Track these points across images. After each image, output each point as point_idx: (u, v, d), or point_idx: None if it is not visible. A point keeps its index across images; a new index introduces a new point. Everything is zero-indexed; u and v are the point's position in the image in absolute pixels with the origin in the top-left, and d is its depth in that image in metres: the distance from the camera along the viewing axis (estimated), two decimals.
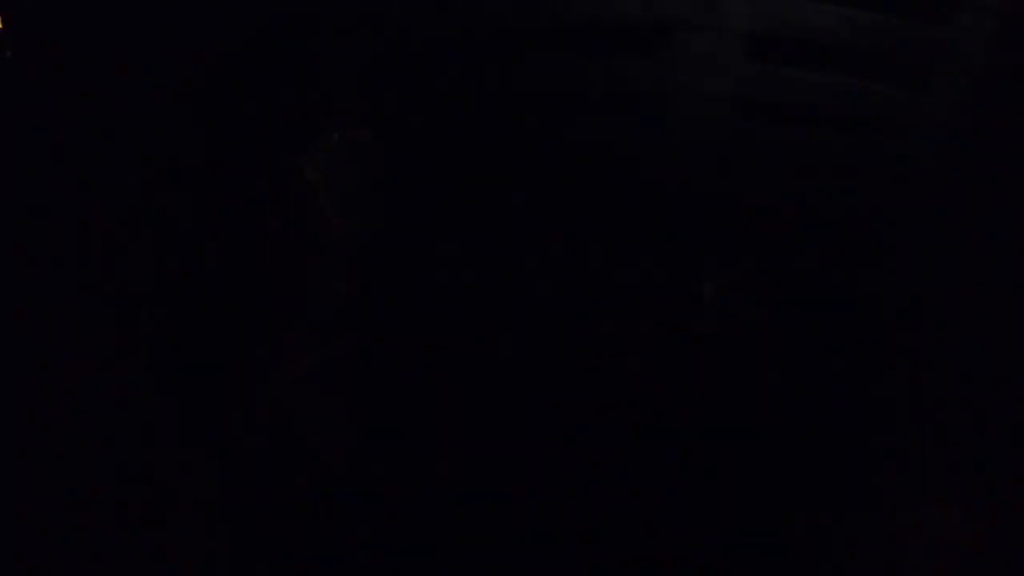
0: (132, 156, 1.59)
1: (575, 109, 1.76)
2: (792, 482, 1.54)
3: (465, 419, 1.55)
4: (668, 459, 1.51)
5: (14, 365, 1.44)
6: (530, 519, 1.49)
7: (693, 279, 1.72)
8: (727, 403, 1.58)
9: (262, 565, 1.40)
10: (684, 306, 1.69)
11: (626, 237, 1.75)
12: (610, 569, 1.47)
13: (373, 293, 1.65)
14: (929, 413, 1.56)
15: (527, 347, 1.64)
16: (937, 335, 1.60)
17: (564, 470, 1.55)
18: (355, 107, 1.78)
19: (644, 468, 1.50)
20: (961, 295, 1.62)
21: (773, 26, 1.60)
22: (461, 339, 1.64)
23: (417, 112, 1.79)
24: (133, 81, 1.59)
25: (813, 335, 1.65)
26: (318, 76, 1.75)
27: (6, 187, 1.45)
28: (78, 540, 1.33)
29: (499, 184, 1.78)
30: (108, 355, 1.43)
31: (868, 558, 1.49)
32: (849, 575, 1.51)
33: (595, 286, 1.71)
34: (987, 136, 1.63)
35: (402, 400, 1.55)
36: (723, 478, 1.52)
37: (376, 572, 1.44)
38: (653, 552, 1.45)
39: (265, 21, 1.68)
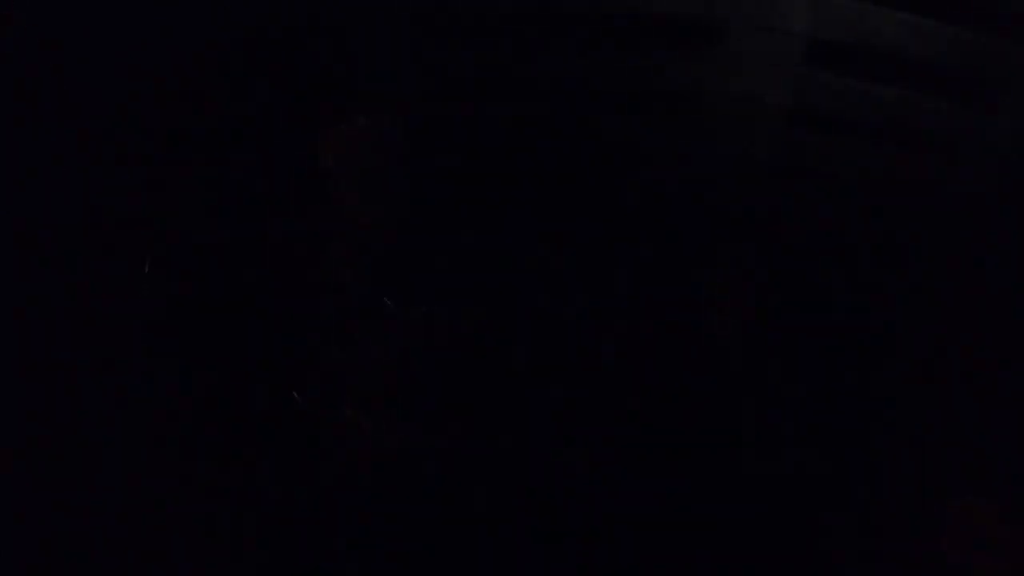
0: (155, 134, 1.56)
1: (615, 105, 1.68)
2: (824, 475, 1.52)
3: (473, 416, 1.52)
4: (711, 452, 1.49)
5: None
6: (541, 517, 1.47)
7: (729, 284, 1.64)
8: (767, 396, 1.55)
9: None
10: (717, 312, 1.62)
11: (664, 238, 1.68)
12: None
13: (387, 280, 1.61)
14: (965, 408, 1.52)
15: (546, 340, 1.60)
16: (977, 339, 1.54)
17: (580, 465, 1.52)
18: (381, 92, 1.73)
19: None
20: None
21: (837, 31, 1.50)
22: (471, 332, 1.59)
23: (444, 98, 1.72)
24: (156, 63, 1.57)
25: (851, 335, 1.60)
26: (344, 59, 1.69)
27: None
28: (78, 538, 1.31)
29: (526, 178, 1.72)
30: (117, 352, 1.42)
31: (903, 551, 1.45)
32: (884, 568, 1.47)
33: (615, 287, 1.65)
34: None
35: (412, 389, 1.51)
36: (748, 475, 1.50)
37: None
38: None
39: (292, 5, 1.63)
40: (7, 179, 1.41)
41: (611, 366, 1.59)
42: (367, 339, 1.47)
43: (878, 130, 1.56)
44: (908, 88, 1.51)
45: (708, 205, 1.69)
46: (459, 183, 1.70)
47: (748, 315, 1.63)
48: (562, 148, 1.71)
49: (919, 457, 1.53)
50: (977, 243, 1.59)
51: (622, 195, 1.71)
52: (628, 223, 1.69)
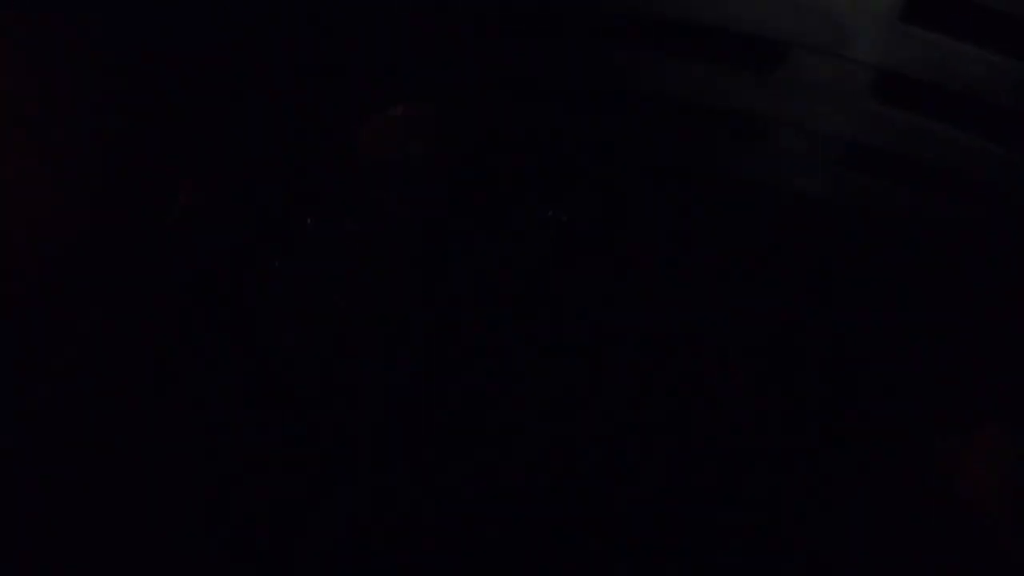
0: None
1: (659, 119, 1.56)
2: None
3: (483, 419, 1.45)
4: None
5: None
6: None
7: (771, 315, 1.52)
8: None
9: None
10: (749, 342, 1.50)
11: (697, 264, 1.57)
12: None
13: (422, 269, 1.56)
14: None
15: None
16: None
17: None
18: (423, 81, 1.65)
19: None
20: None
21: (909, 65, 1.35)
22: (502, 331, 1.52)
23: (490, 93, 1.62)
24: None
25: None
26: (386, 47, 1.63)
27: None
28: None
29: (563, 183, 1.61)
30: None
31: (927, 477, 1.38)
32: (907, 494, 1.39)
33: (640, 307, 1.54)
34: None
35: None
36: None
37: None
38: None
39: None
40: None
41: (624, 386, 1.49)
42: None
43: (944, 175, 1.41)
44: (983, 134, 1.36)
45: (749, 233, 1.56)
46: (495, 182, 1.62)
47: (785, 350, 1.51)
48: (602, 157, 1.61)
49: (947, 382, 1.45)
50: None
51: (661, 214, 1.60)
52: (662, 243, 1.58)
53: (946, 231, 1.45)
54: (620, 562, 1.34)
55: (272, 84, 1.57)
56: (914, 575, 1.34)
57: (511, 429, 1.43)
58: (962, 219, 1.43)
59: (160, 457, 1.32)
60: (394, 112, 1.60)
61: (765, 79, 1.45)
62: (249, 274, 1.49)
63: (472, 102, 1.64)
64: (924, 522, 1.35)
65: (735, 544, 1.33)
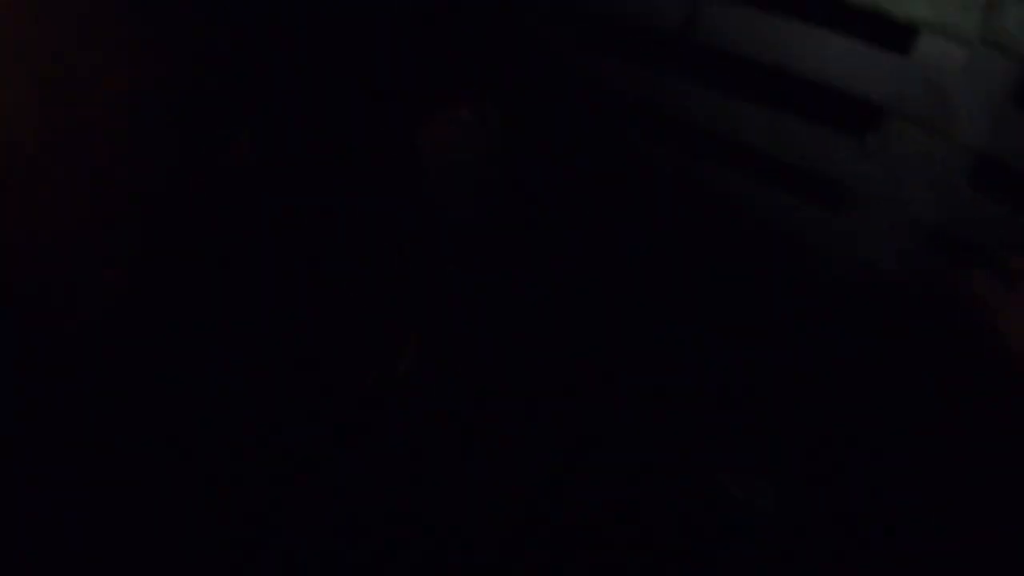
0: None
1: (739, 166, 1.45)
2: None
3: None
4: None
5: None
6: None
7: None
8: None
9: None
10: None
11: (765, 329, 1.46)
12: None
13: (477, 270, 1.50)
14: None
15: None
16: None
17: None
18: (488, 85, 1.59)
19: None
20: None
21: (1015, 154, 1.22)
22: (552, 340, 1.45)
23: (553, 106, 1.55)
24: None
25: None
26: (452, 50, 1.59)
27: None
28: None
29: (632, 211, 1.53)
30: None
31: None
32: None
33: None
34: None
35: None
36: None
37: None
38: None
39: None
40: None
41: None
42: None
43: None
44: None
45: (824, 306, 1.45)
46: (559, 198, 1.54)
47: None
48: (668, 192, 1.51)
49: None
50: None
51: (723, 261, 1.49)
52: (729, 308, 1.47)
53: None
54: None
55: (340, 69, 1.53)
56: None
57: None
58: None
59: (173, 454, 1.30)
60: (456, 113, 1.56)
61: (856, 143, 1.33)
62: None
63: (539, 110, 1.56)
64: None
65: None
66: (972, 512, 1.25)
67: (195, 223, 1.46)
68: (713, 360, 1.41)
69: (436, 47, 1.57)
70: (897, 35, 1.24)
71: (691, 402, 1.37)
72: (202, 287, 1.35)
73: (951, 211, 1.30)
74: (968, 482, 1.26)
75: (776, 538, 1.27)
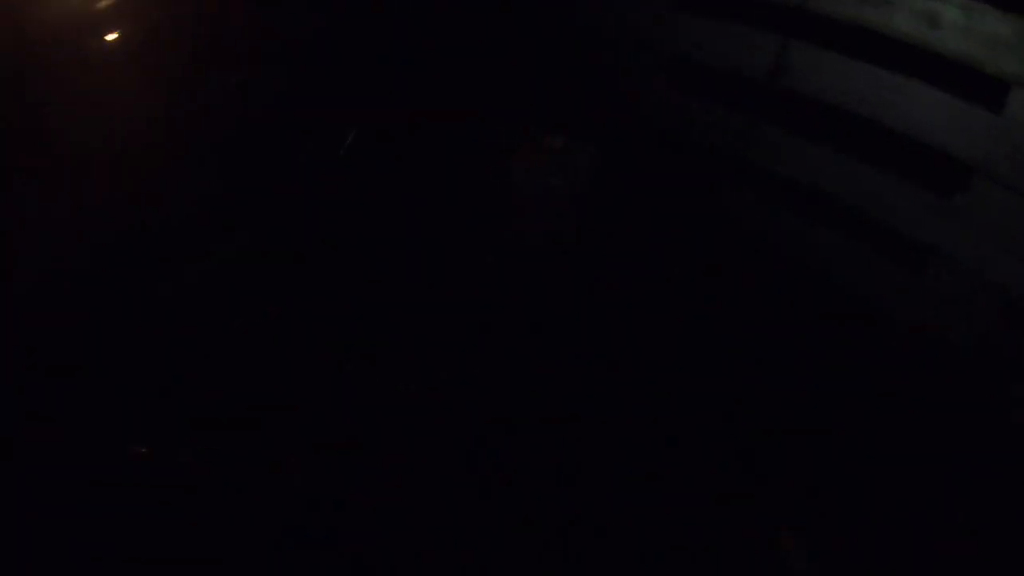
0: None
1: (820, 218, 1.39)
2: None
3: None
4: None
5: None
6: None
7: None
8: None
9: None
10: None
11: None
12: None
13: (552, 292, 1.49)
14: None
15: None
16: None
17: None
18: (579, 115, 1.59)
19: None
20: None
21: None
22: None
23: (641, 140, 1.53)
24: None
25: None
26: (544, 80, 1.61)
27: None
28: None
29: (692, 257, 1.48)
30: None
31: None
32: None
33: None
34: None
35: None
36: None
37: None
38: None
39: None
40: None
41: None
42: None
43: None
44: None
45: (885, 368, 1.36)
46: (639, 236, 1.55)
47: None
48: (743, 242, 1.46)
49: None
50: None
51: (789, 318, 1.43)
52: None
53: None
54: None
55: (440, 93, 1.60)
56: None
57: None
58: None
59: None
60: (544, 144, 1.57)
61: (941, 201, 1.25)
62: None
63: (627, 147, 1.54)
64: None
65: None
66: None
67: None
68: (768, 414, 1.35)
69: (528, 76, 1.57)
70: (990, 91, 1.16)
71: (743, 458, 1.31)
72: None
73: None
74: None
75: None
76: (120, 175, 1.39)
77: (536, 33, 1.57)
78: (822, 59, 1.31)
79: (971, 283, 1.24)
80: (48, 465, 1.23)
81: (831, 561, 1.22)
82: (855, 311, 1.38)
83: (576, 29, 1.52)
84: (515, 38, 1.60)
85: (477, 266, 1.53)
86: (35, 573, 1.16)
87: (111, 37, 1.30)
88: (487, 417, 1.32)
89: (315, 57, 1.59)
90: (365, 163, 1.65)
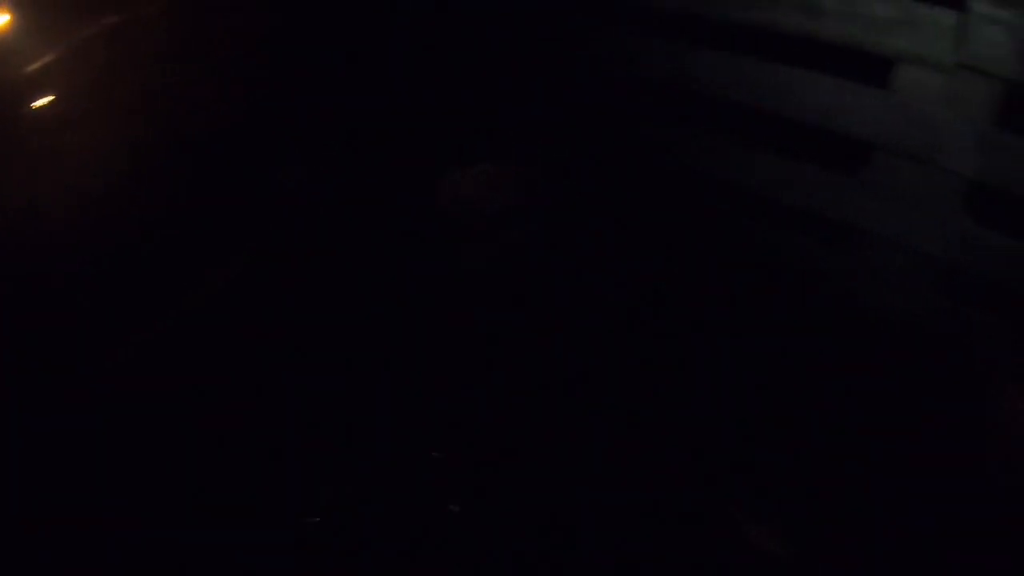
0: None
1: (741, 210, 1.45)
2: None
3: None
4: None
5: None
6: None
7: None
8: None
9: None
10: None
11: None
12: None
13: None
14: None
15: None
16: None
17: None
18: (512, 143, 1.63)
19: None
20: None
21: (1009, 178, 1.19)
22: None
23: (591, 168, 1.59)
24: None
25: None
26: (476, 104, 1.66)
27: None
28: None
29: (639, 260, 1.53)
30: None
31: None
32: None
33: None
34: None
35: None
36: None
37: None
38: None
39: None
40: None
41: None
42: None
43: None
44: None
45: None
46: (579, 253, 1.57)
47: None
48: (684, 245, 1.51)
49: None
50: None
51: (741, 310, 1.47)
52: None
53: None
54: None
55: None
56: None
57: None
58: None
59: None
60: (475, 169, 1.58)
61: (847, 181, 1.31)
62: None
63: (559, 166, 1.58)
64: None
65: None
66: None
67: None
68: (729, 401, 1.39)
69: (461, 101, 1.61)
70: (878, 71, 1.24)
71: (710, 441, 1.35)
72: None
73: (951, 242, 1.26)
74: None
75: None
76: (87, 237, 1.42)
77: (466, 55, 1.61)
78: (718, 62, 1.39)
79: (895, 251, 1.31)
80: None
81: (805, 543, 1.25)
82: (791, 296, 1.43)
83: (496, 48, 1.58)
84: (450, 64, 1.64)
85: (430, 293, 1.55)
86: None
87: (45, 101, 1.33)
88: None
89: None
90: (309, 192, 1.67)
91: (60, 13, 1.38)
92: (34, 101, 1.33)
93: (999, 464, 1.22)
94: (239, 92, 1.61)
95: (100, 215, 1.43)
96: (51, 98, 1.34)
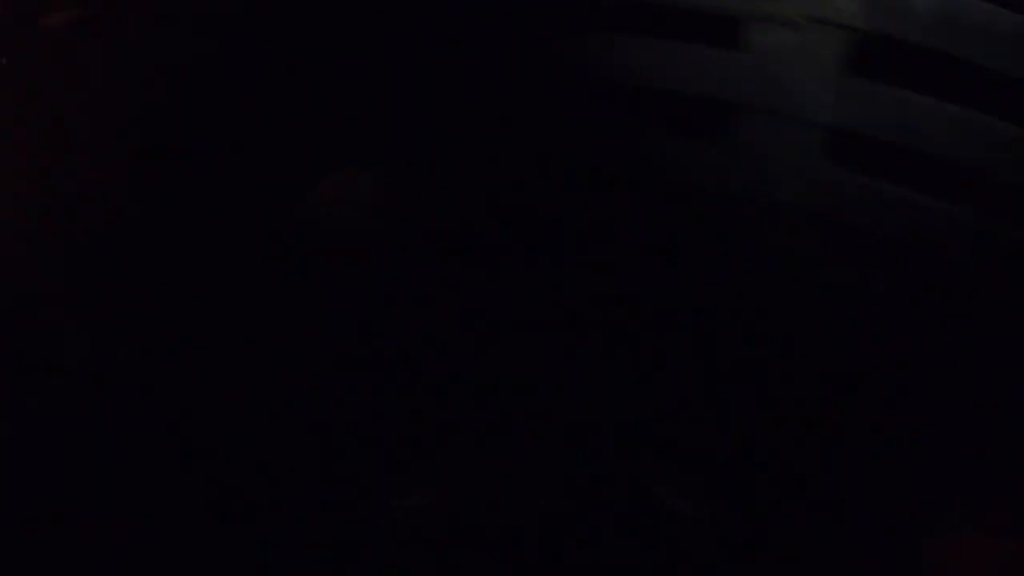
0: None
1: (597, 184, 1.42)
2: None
3: None
4: None
5: None
6: None
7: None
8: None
9: None
10: None
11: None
12: None
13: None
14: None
15: None
16: None
17: None
18: (364, 151, 1.53)
19: None
20: None
21: (862, 122, 1.25)
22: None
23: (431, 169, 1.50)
24: None
25: None
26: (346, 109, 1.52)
27: None
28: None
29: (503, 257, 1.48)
30: None
31: None
32: None
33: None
34: None
35: None
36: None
37: None
38: None
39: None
40: None
41: None
42: None
43: (909, 245, 1.29)
44: (949, 198, 1.24)
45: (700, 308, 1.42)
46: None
47: None
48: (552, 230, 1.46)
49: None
50: None
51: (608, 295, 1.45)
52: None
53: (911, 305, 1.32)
54: None
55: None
56: None
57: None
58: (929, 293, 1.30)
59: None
60: (339, 180, 1.48)
61: (706, 147, 1.33)
62: None
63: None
64: None
65: None
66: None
67: None
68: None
69: (328, 105, 1.49)
70: (729, 33, 1.25)
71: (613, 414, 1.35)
72: None
73: (809, 189, 1.30)
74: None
75: (693, 539, 1.26)
76: None
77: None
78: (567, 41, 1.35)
79: (759, 211, 1.33)
80: None
81: (709, 503, 1.27)
82: (661, 272, 1.43)
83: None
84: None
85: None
86: None
87: None
88: None
89: None
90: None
91: None
92: None
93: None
94: None
95: None
96: None
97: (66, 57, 1.38)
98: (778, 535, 1.24)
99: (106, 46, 1.43)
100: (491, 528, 1.26)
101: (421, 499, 1.27)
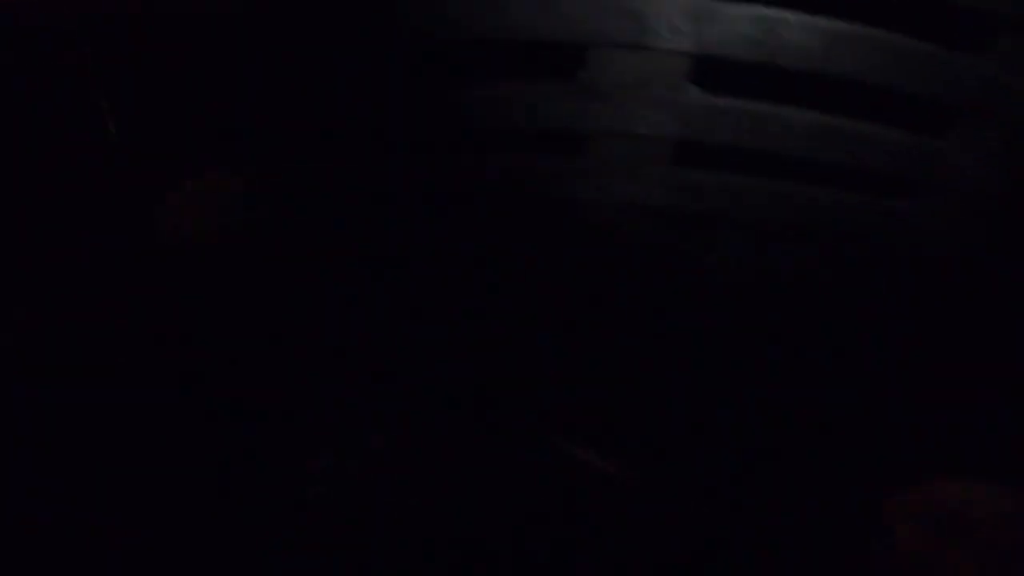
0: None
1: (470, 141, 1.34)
2: None
3: None
4: None
5: None
6: None
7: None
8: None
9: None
10: None
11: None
12: None
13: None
14: None
15: None
16: None
17: None
18: (226, 152, 1.51)
19: None
20: None
21: (729, 45, 1.18)
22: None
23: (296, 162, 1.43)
24: None
25: None
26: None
27: None
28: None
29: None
30: None
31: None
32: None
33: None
34: None
35: None
36: None
37: None
38: None
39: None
40: None
41: None
42: None
43: (792, 165, 1.25)
44: (830, 112, 1.20)
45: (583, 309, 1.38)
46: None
47: None
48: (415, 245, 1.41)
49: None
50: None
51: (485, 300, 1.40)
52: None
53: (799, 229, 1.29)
54: None
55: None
56: None
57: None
58: (815, 217, 1.27)
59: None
60: (194, 186, 1.39)
61: (566, 87, 1.24)
62: None
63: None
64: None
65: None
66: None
67: None
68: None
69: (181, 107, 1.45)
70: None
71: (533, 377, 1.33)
72: None
73: (678, 118, 1.24)
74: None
75: (619, 501, 1.24)
76: None
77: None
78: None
79: (630, 144, 1.26)
80: None
81: (644, 465, 1.26)
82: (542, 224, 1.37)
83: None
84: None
85: None
86: None
87: None
88: None
89: None
90: None
91: None
92: None
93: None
94: None
95: None
96: None
97: None
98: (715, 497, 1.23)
99: None
100: (414, 496, 1.22)
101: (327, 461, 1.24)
